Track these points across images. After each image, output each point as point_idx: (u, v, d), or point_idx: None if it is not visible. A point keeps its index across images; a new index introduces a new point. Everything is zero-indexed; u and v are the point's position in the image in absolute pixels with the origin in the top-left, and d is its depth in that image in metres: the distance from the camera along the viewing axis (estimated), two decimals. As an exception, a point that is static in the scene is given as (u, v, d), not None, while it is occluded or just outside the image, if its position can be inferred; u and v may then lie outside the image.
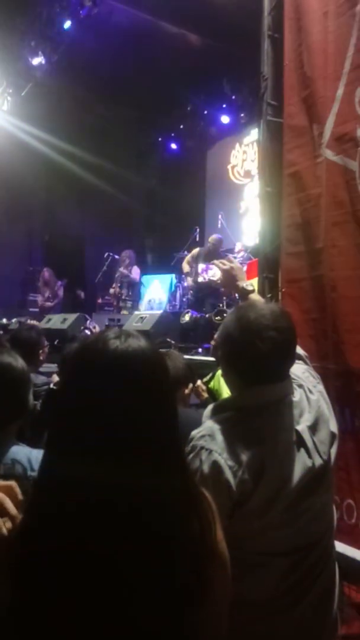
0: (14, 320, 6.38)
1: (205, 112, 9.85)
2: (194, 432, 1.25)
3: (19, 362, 1.48)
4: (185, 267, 7.26)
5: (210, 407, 1.34)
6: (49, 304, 8.35)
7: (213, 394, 3.18)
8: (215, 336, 3.58)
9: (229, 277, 1.81)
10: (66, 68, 7.91)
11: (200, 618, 0.82)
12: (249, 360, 1.25)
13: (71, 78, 8.15)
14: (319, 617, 1.27)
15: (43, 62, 8.00)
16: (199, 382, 3.16)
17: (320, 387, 1.43)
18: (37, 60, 8.07)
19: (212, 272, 6.38)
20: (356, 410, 2.33)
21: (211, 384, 3.29)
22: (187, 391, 1.94)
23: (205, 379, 3.31)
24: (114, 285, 8.10)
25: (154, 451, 0.81)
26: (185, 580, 0.80)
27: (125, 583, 0.77)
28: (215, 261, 1.97)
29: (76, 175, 9.30)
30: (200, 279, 6.74)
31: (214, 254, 6.84)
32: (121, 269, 8.07)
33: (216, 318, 5.38)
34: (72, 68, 7.89)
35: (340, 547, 1.44)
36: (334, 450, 1.35)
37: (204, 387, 3.19)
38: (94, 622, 0.76)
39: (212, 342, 3.91)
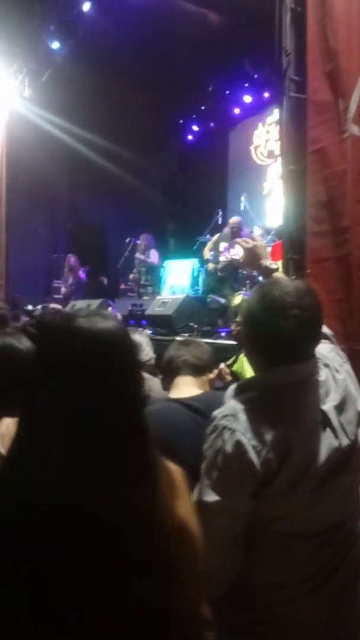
0: (39, 306, 6.45)
1: (227, 92, 9.68)
2: (215, 412, 1.23)
3: (22, 343, 1.46)
4: (207, 254, 7.20)
5: (232, 386, 1.32)
6: (72, 289, 8.42)
7: (237, 377, 3.17)
8: (237, 318, 3.57)
9: (252, 255, 1.78)
10: (86, 53, 7.84)
11: (167, 592, 0.83)
12: (272, 339, 1.22)
13: (91, 63, 8.08)
14: (345, 599, 1.25)
15: (62, 46, 7.96)
16: (222, 365, 3.15)
17: (347, 366, 1.40)
18: (57, 45, 8.03)
19: (235, 251, 6.30)
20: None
21: (234, 367, 3.28)
22: (212, 376, 1.94)
23: (228, 362, 3.30)
24: (134, 272, 8.12)
25: (109, 429, 0.82)
26: (138, 555, 0.80)
27: (76, 558, 0.78)
28: (238, 239, 1.94)
29: (97, 163, 9.28)
30: (222, 258, 6.66)
31: (236, 236, 6.77)
32: (137, 255, 8.07)
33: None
34: (92, 53, 7.82)
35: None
36: None
37: (227, 370, 3.18)
38: (47, 599, 0.77)
39: (233, 327, 3.89)
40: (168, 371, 1.78)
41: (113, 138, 9.07)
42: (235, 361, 3.33)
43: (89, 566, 0.79)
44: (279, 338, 1.21)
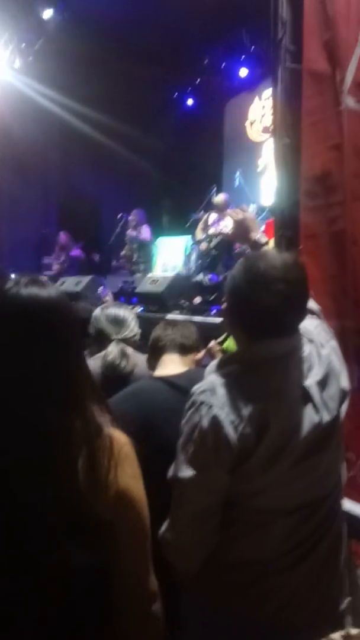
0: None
1: (224, 64, 9.48)
2: (194, 387, 1.22)
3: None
4: (199, 234, 7.12)
5: (214, 361, 1.30)
6: (64, 267, 8.34)
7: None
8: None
9: (242, 228, 1.74)
10: (78, 23, 7.64)
11: (107, 555, 0.86)
12: (255, 313, 1.20)
13: (83, 33, 7.87)
14: (324, 575, 1.26)
15: (54, 15, 7.74)
16: (212, 343, 3.13)
17: (333, 342, 1.37)
18: (48, 14, 7.81)
19: (224, 224, 6.22)
20: (375, 368, 2.28)
21: (225, 344, 3.25)
22: (199, 355, 1.93)
23: (219, 340, 3.28)
24: (125, 248, 8.04)
25: (45, 393, 0.85)
26: (72, 521, 0.83)
27: (10, 523, 0.81)
28: (229, 210, 1.90)
29: (91, 135, 9.13)
30: (211, 231, 6.58)
31: (223, 212, 6.69)
32: (129, 231, 7.97)
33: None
34: (84, 23, 7.62)
35: (349, 505, 1.42)
36: (344, 407, 1.31)
37: (218, 348, 3.16)
38: None
39: (223, 305, 3.86)
40: (154, 349, 1.76)
41: (107, 110, 8.92)
42: (226, 338, 3.30)
43: (11, 525, 0.81)
44: (263, 312, 1.18)
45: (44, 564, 0.81)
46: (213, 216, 6.69)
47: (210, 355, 3.13)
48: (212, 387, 1.18)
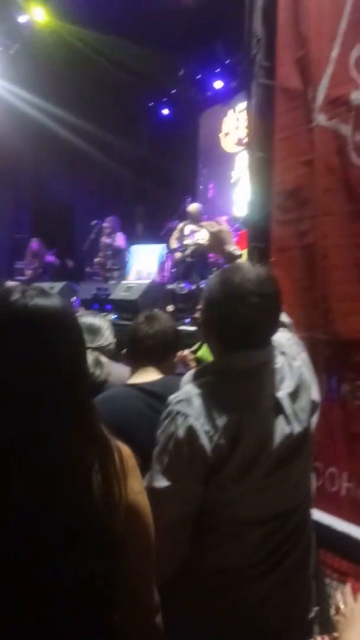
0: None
1: (199, 76, 9.58)
2: (170, 397, 1.23)
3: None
4: (173, 243, 7.16)
5: (189, 372, 1.32)
6: (38, 272, 8.26)
7: (201, 363, 3.17)
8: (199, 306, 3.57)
9: (217, 240, 1.77)
10: (55, 29, 7.63)
11: (116, 568, 0.85)
12: (230, 325, 1.23)
13: (61, 39, 7.87)
14: (294, 584, 1.28)
15: (31, 20, 7.72)
16: (186, 352, 3.16)
17: (304, 355, 1.41)
18: (25, 19, 7.78)
19: (200, 235, 6.28)
20: (343, 378, 2.33)
21: (199, 353, 3.28)
22: (175, 360, 1.93)
23: (193, 348, 3.31)
24: (99, 255, 8.02)
25: (55, 407, 0.83)
26: (86, 533, 0.82)
27: (26, 539, 0.79)
28: (204, 222, 1.92)
29: (65, 141, 9.09)
30: (186, 242, 6.63)
31: (196, 223, 6.75)
32: (103, 239, 7.96)
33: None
34: (62, 29, 7.62)
35: (317, 514, 1.45)
36: (314, 419, 1.34)
37: (191, 357, 3.18)
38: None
39: (196, 314, 3.90)
40: (131, 352, 1.74)
41: (82, 116, 8.90)
42: (200, 347, 3.33)
43: (25, 537, 0.80)
44: (238, 324, 1.21)
45: (56, 575, 0.81)
46: (189, 227, 6.74)
47: (184, 363, 3.15)
48: (188, 397, 1.20)
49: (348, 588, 1.12)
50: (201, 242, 6.14)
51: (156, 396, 1.55)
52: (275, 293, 1.26)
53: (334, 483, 2.34)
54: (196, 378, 1.27)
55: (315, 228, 2.49)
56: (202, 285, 5.68)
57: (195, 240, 6.43)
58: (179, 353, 2.97)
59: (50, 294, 0.88)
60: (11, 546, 0.78)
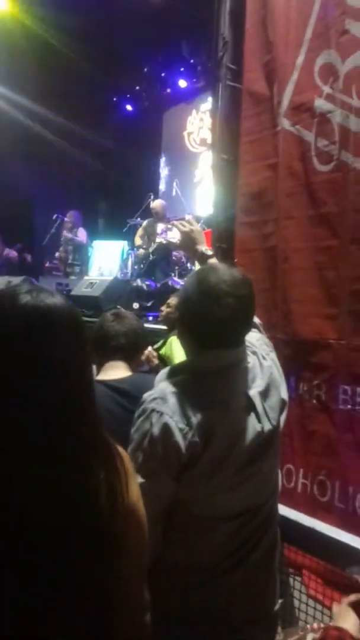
0: None
1: (163, 74, 9.59)
2: (145, 395, 1.24)
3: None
4: (137, 241, 7.14)
5: (164, 370, 1.33)
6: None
7: (164, 361, 3.20)
8: (169, 300, 3.58)
9: (189, 239, 1.78)
10: (19, 18, 7.48)
11: (114, 574, 0.84)
12: (205, 325, 1.25)
13: (24, 28, 7.72)
14: (260, 577, 1.31)
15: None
16: (150, 349, 3.17)
17: (273, 355, 1.45)
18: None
19: (172, 234, 6.28)
20: (301, 378, 2.39)
21: (162, 351, 3.30)
22: (142, 357, 1.94)
23: (156, 346, 3.32)
24: (60, 250, 7.91)
25: (67, 403, 0.81)
26: (80, 531, 0.81)
27: (31, 545, 0.78)
28: (175, 222, 1.92)
29: (27, 131, 8.90)
30: (158, 240, 6.63)
31: (162, 219, 6.76)
32: (65, 233, 7.86)
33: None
34: (25, 18, 7.47)
35: (282, 509, 1.49)
36: (283, 417, 1.38)
37: (155, 354, 3.20)
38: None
39: (161, 311, 3.91)
40: (100, 349, 1.73)
41: (45, 108, 8.74)
42: (163, 345, 3.35)
43: (25, 539, 0.77)
44: (213, 324, 1.23)
45: (59, 580, 0.79)
46: (160, 225, 6.74)
47: (148, 361, 3.16)
48: (163, 395, 1.21)
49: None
50: (173, 240, 6.15)
51: (126, 394, 1.55)
52: (250, 294, 1.29)
53: (290, 480, 2.40)
54: (171, 376, 1.29)
55: (278, 231, 2.54)
56: (169, 283, 5.68)
57: (167, 239, 6.43)
58: (146, 351, 2.98)
59: (53, 293, 0.85)
60: (14, 551, 0.76)
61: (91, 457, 0.83)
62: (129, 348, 1.74)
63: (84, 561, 0.81)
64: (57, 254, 8.03)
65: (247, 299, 1.27)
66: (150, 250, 6.59)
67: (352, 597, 1.18)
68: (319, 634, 1.05)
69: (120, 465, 0.88)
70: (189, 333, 1.30)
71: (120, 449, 0.92)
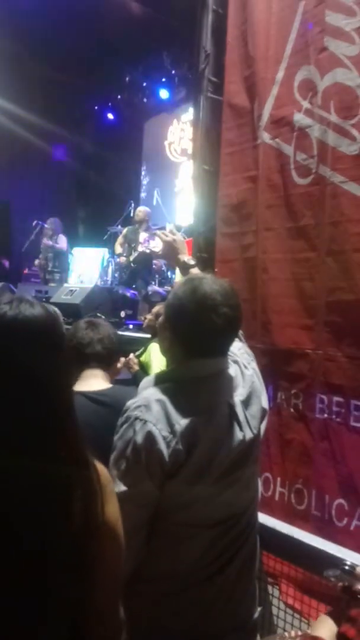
0: None
1: (144, 84, 9.65)
2: (129, 403, 1.24)
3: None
4: (118, 249, 7.13)
5: (148, 377, 1.33)
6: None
7: (144, 367, 3.21)
8: (155, 309, 3.58)
9: (171, 249, 1.79)
10: (1, 27, 7.45)
11: (87, 590, 0.84)
12: (201, 333, 1.26)
13: (5, 35, 7.68)
14: (240, 585, 1.32)
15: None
16: (131, 356, 3.18)
17: (254, 364, 1.47)
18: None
19: (154, 244, 6.30)
20: (279, 387, 2.42)
21: (142, 358, 3.32)
22: (119, 365, 1.93)
23: (137, 353, 3.34)
24: (40, 257, 7.87)
25: (46, 416, 0.81)
26: (67, 557, 0.81)
27: (7, 559, 0.77)
28: (158, 231, 1.94)
29: (5, 137, 8.84)
30: (140, 249, 6.63)
31: (144, 227, 6.78)
32: (45, 240, 7.82)
33: (153, 300, 5.38)
34: (6, 24, 7.44)
35: (260, 517, 1.50)
36: (263, 425, 1.40)
37: (135, 361, 3.21)
38: None
39: (144, 319, 3.92)
40: (75, 358, 1.70)
41: (26, 115, 8.69)
42: (143, 352, 3.37)
43: (7, 565, 0.77)
44: (208, 333, 1.25)
45: (31, 596, 0.79)
46: (143, 234, 6.74)
47: (128, 367, 3.17)
48: (147, 403, 1.21)
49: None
50: (155, 250, 6.16)
51: (107, 406, 1.53)
52: (239, 304, 1.31)
53: (268, 488, 2.42)
54: (155, 384, 1.29)
55: (257, 242, 2.58)
56: (149, 292, 5.68)
57: (150, 248, 6.44)
58: (124, 358, 2.98)
59: (34, 303, 0.85)
60: None
61: (69, 474, 0.83)
62: (106, 355, 1.73)
63: (57, 576, 0.80)
64: (36, 261, 7.97)
65: (238, 310, 1.30)
66: (132, 259, 6.59)
67: (330, 609, 1.19)
68: None
69: (97, 483, 0.87)
70: (180, 341, 1.30)
71: (99, 465, 0.91)
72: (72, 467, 0.84)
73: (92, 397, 1.58)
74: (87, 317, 2.03)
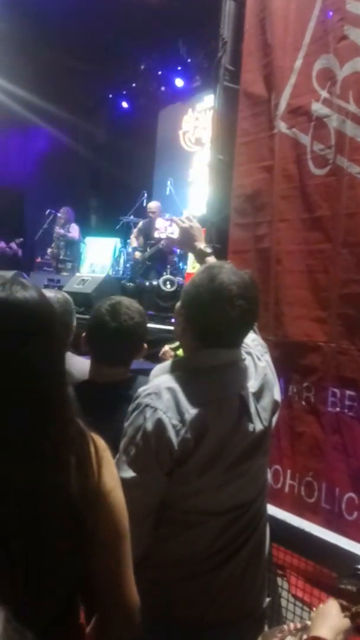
0: None
1: (160, 72, 9.56)
2: (140, 390, 1.25)
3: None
4: (133, 242, 7.14)
5: (159, 365, 1.34)
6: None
7: None
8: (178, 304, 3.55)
9: (188, 236, 1.78)
10: (15, 10, 7.42)
11: (86, 564, 0.84)
12: (215, 323, 1.26)
13: (20, 21, 7.65)
14: (248, 574, 1.33)
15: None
16: (166, 348, 3.15)
17: (267, 356, 1.46)
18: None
19: (171, 230, 6.29)
20: (291, 380, 2.41)
21: (179, 352, 3.28)
22: (160, 355, 1.83)
23: (172, 345, 3.30)
24: (52, 246, 7.89)
25: (34, 399, 0.81)
26: (62, 529, 0.81)
27: (3, 534, 0.77)
28: (175, 218, 1.92)
29: (19, 125, 8.85)
30: (156, 235, 6.63)
31: (155, 220, 6.78)
32: (57, 229, 7.84)
33: (166, 286, 5.34)
34: (22, 11, 7.41)
35: (271, 509, 1.50)
36: (275, 418, 1.39)
37: (172, 353, 3.18)
38: None
39: (176, 311, 3.88)
40: (95, 344, 1.64)
41: (40, 103, 8.68)
42: (180, 346, 3.32)
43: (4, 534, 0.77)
44: (223, 323, 1.25)
45: (32, 570, 0.79)
46: (160, 221, 6.74)
47: (164, 358, 3.14)
48: (157, 391, 1.22)
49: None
50: (172, 236, 6.12)
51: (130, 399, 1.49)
52: (257, 297, 1.31)
53: (277, 480, 2.42)
54: (167, 372, 1.29)
55: (271, 233, 2.55)
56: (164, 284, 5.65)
57: (167, 234, 6.42)
58: (163, 349, 2.93)
59: (28, 286, 0.84)
60: None
61: (63, 450, 0.83)
62: (130, 343, 1.62)
63: (55, 547, 0.81)
64: (48, 250, 8.01)
65: (255, 301, 1.29)
66: (147, 255, 6.59)
67: (331, 601, 1.16)
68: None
69: (94, 453, 0.88)
70: (193, 331, 1.30)
71: (95, 436, 0.91)
72: (67, 444, 0.84)
73: (112, 388, 1.56)
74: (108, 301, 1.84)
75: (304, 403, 2.37)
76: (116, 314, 1.57)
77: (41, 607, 0.80)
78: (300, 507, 2.24)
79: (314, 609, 1.10)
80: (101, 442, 0.91)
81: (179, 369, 1.29)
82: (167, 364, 1.35)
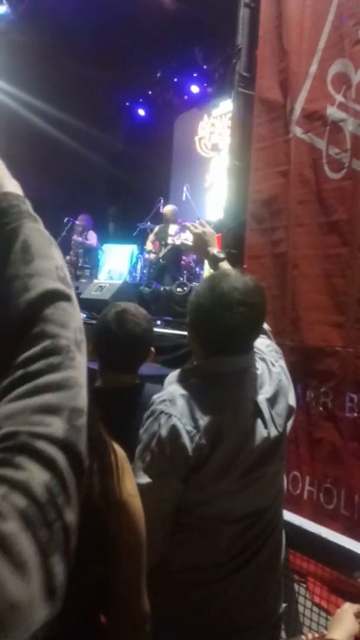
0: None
1: (175, 79, 9.63)
2: (154, 397, 1.26)
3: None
4: (149, 245, 7.17)
5: (173, 372, 1.34)
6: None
7: None
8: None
9: (201, 241, 1.79)
10: (33, 21, 7.54)
11: (109, 569, 0.85)
12: (216, 331, 1.26)
13: (38, 32, 7.78)
14: (264, 580, 1.32)
15: (9, 11, 7.64)
16: None
17: (282, 361, 1.46)
18: (3, 9, 7.69)
19: (185, 236, 6.28)
20: (308, 385, 2.40)
21: None
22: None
23: None
24: (70, 253, 7.97)
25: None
26: (86, 535, 0.81)
27: None
28: (188, 223, 1.93)
29: (38, 134, 8.97)
30: (170, 241, 6.64)
31: (173, 225, 6.80)
32: (75, 237, 7.91)
33: (177, 290, 5.35)
34: (40, 21, 7.53)
35: (287, 515, 1.49)
36: (290, 423, 1.39)
37: None
38: None
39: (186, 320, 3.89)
40: (107, 344, 1.57)
41: (56, 111, 8.79)
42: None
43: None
44: (224, 331, 1.25)
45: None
46: (173, 226, 6.76)
47: None
48: (172, 398, 1.23)
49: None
50: (186, 242, 6.12)
51: (141, 407, 1.49)
52: (261, 303, 1.30)
53: (296, 486, 2.40)
54: (180, 379, 1.30)
55: (288, 238, 2.55)
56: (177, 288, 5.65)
57: (180, 240, 6.42)
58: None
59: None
60: None
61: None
62: (138, 350, 1.61)
63: (78, 554, 0.82)
64: (67, 258, 8.08)
65: (259, 307, 1.28)
66: (161, 255, 6.60)
67: (347, 606, 1.17)
68: None
69: (115, 461, 0.88)
70: (198, 338, 1.32)
71: (116, 445, 0.92)
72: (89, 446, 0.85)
73: (123, 396, 1.57)
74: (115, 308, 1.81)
75: (321, 409, 2.36)
76: (122, 322, 1.55)
77: (64, 615, 0.80)
78: (320, 514, 2.22)
79: (331, 616, 1.11)
80: (121, 451, 0.92)
81: (191, 376, 1.30)
82: (181, 371, 1.35)
